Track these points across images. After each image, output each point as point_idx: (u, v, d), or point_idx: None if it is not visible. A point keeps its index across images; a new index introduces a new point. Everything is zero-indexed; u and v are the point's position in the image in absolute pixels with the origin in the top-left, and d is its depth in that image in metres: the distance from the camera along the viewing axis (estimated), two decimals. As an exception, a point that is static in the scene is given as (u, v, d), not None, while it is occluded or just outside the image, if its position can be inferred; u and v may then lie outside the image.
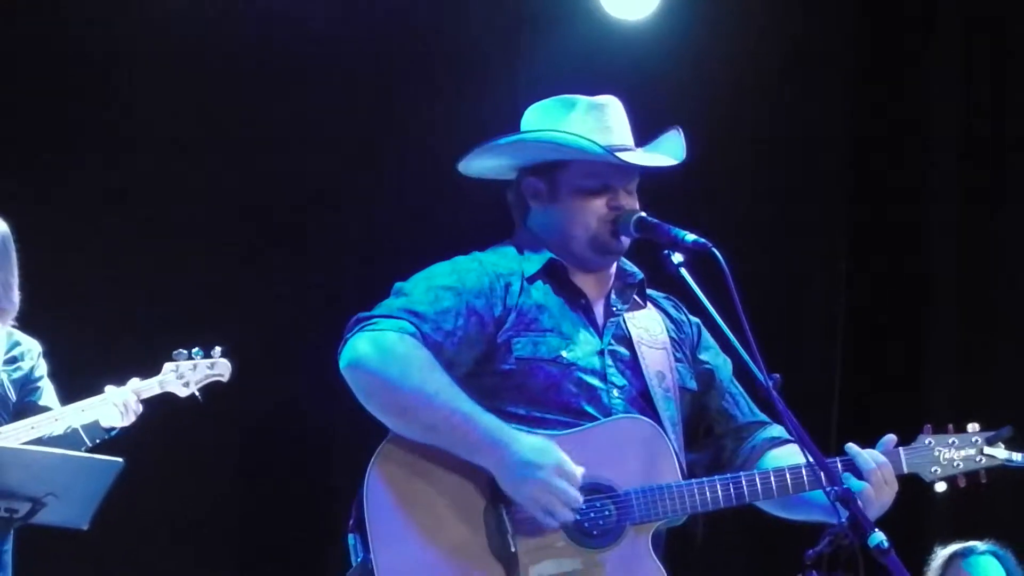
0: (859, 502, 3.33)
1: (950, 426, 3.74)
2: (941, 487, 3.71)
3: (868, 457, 3.60)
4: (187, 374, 5.50)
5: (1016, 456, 3.74)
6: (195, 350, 5.50)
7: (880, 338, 7.57)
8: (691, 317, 3.87)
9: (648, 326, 3.78)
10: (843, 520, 3.26)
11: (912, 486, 3.71)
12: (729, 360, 3.86)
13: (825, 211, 7.69)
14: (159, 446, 5.92)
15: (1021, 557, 5.85)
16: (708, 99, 7.03)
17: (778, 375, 3.43)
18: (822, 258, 7.69)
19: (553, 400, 3.58)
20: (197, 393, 5.52)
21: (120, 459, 4.98)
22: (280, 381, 6.77)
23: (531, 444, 3.44)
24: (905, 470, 3.67)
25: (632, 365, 3.70)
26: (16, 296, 5.37)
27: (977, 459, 3.72)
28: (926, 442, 3.72)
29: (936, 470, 3.70)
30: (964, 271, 7.48)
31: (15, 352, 5.36)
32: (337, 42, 6.99)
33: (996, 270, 7.45)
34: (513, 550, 3.45)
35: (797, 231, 7.58)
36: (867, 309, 7.59)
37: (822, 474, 3.35)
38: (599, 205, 3.68)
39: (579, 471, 3.45)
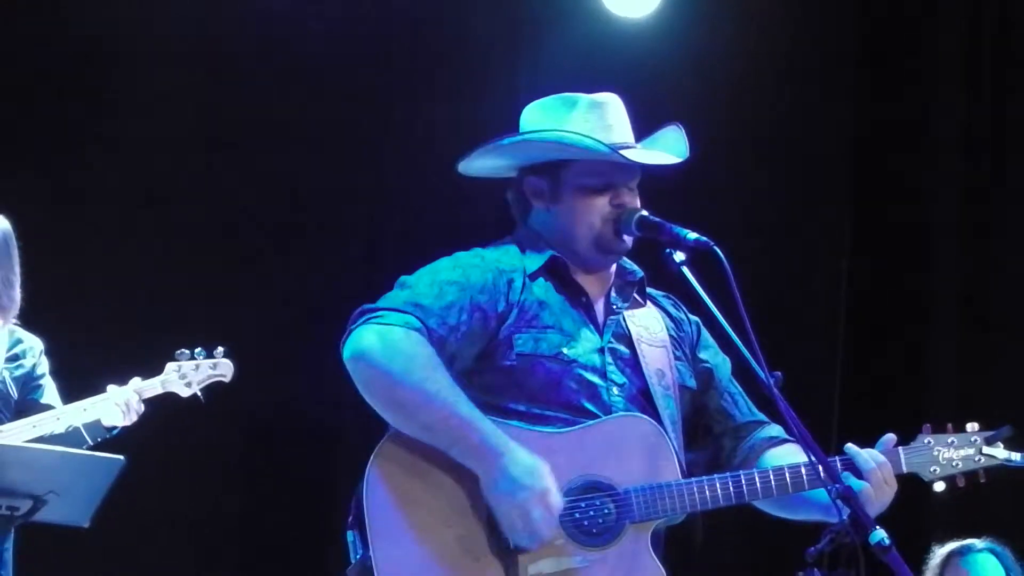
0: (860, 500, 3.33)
1: (949, 426, 3.74)
2: (940, 487, 3.71)
3: (867, 457, 3.61)
4: (189, 374, 5.50)
5: (1015, 456, 3.74)
6: (197, 350, 5.50)
7: (880, 338, 7.57)
8: (690, 316, 3.88)
9: (648, 324, 3.78)
10: (844, 518, 3.26)
11: (911, 485, 3.71)
12: (728, 359, 3.86)
13: (825, 211, 7.69)
14: (160, 445, 5.92)
15: (1019, 554, 5.85)
16: (709, 98, 7.04)
17: (779, 373, 3.44)
18: (822, 258, 7.69)
19: (553, 397, 3.58)
20: (199, 393, 5.52)
21: (121, 457, 4.98)
22: (280, 381, 6.77)
23: (524, 462, 3.43)
24: (904, 470, 3.67)
25: (632, 363, 3.70)
26: (17, 294, 5.37)
27: (976, 459, 3.72)
28: (925, 441, 3.72)
29: (935, 470, 3.70)
30: (964, 271, 7.48)
31: (17, 350, 5.37)
32: (337, 42, 6.99)
33: (996, 270, 7.45)
34: (512, 548, 3.45)
35: (797, 231, 7.58)
36: (867, 309, 7.60)
37: (823, 472, 3.35)
38: (602, 203, 3.68)
39: (561, 503, 3.44)
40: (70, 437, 5.19)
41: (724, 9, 7.35)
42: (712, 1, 7.37)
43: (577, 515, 3.50)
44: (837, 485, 3.30)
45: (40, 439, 5.14)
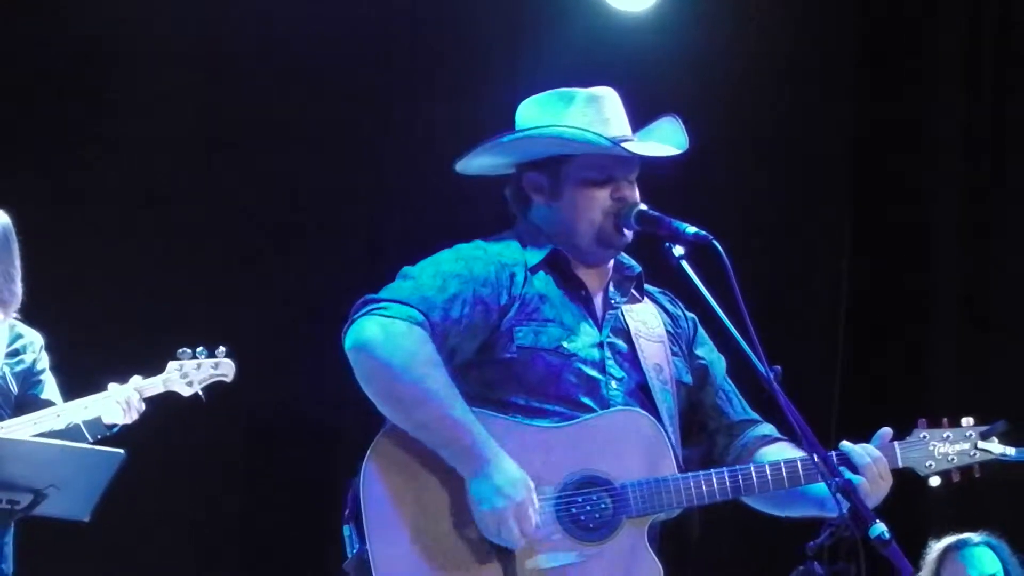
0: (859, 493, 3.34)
1: (944, 420, 3.76)
2: (935, 481, 3.72)
3: (862, 452, 3.61)
4: (191, 373, 5.50)
5: (1010, 450, 3.75)
6: (199, 349, 5.50)
7: (880, 338, 7.57)
8: (687, 312, 3.89)
9: (646, 319, 3.79)
10: (844, 511, 3.27)
11: (908, 479, 3.71)
12: (723, 358, 3.87)
13: (825, 211, 7.70)
14: (160, 444, 5.92)
15: (1015, 548, 5.86)
16: (708, 98, 7.04)
17: (779, 367, 3.44)
18: (822, 258, 7.69)
19: (552, 390, 3.58)
20: (200, 393, 5.51)
21: (121, 451, 4.98)
22: (280, 381, 6.77)
23: (508, 473, 3.44)
24: (900, 464, 3.68)
25: (630, 358, 3.70)
26: (18, 288, 5.37)
27: (971, 453, 3.73)
28: (921, 436, 3.73)
29: (931, 464, 3.71)
30: (964, 271, 7.48)
31: (17, 345, 5.37)
32: (337, 42, 6.99)
33: (996, 270, 7.45)
34: None
35: (797, 231, 7.58)
36: (867, 309, 7.60)
37: (822, 465, 3.35)
38: (603, 197, 3.69)
39: (536, 519, 3.45)
40: (70, 434, 5.18)
41: (724, 8, 7.35)
42: (712, 1, 7.37)
43: (574, 510, 3.51)
44: (837, 479, 3.30)
45: (41, 436, 5.14)
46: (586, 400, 3.61)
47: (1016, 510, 6.60)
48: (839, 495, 3.28)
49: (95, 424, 5.25)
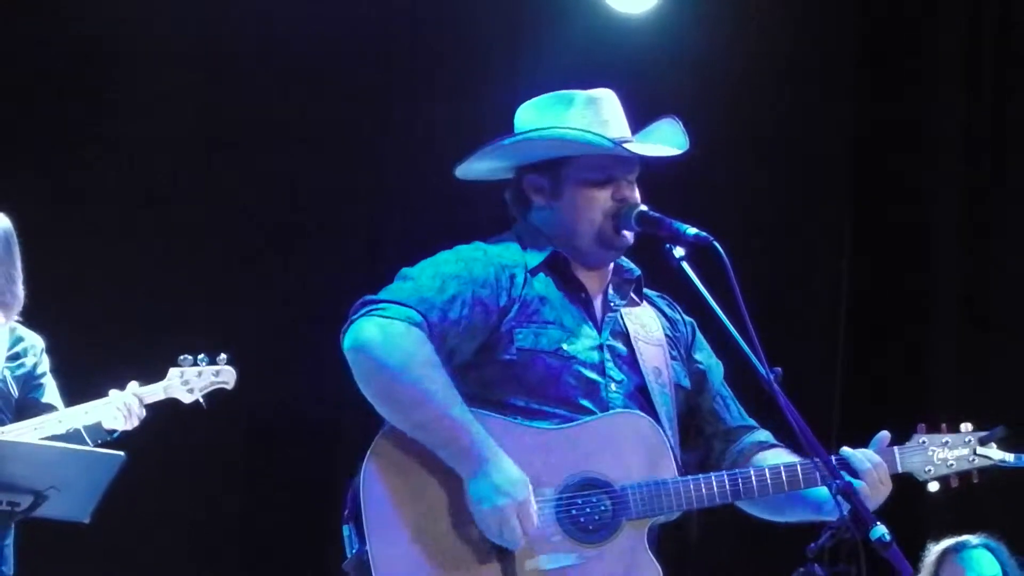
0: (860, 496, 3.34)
1: (943, 425, 3.75)
2: (934, 487, 3.72)
3: (863, 457, 3.61)
4: (192, 380, 5.50)
5: (1009, 456, 3.75)
6: (200, 356, 5.50)
7: (880, 338, 7.57)
8: (685, 316, 3.89)
9: (645, 323, 3.79)
10: (844, 513, 3.27)
11: (907, 482, 3.71)
12: (721, 363, 3.88)
13: (825, 211, 7.70)
14: (160, 445, 5.91)
15: (1014, 550, 5.85)
16: (708, 98, 7.04)
17: (779, 369, 3.44)
18: (822, 258, 7.69)
19: (552, 392, 3.58)
20: (201, 400, 5.52)
21: (121, 453, 4.99)
22: (280, 381, 6.77)
23: (508, 473, 3.44)
24: (900, 469, 3.68)
25: (629, 360, 3.70)
26: (20, 291, 5.37)
27: (970, 459, 3.73)
28: (920, 441, 3.73)
29: (930, 470, 3.71)
30: (964, 271, 7.48)
31: (18, 348, 5.37)
32: (337, 42, 7.00)
33: (996, 270, 7.45)
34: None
35: (797, 231, 7.58)
36: (867, 309, 7.60)
37: (824, 467, 3.35)
38: (604, 198, 3.69)
39: (536, 519, 3.45)
40: (71, 439, 5.18)
41: (724, 9, 7.35)
42: (712, 1, 7.37)
43: (574, 511, 3.51)
44: (837, 481, 3.30)
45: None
46: (585, 402, 3.60)
47: (1015, 515, 6.60)
48: (839, 497, 3.28)
49: (96, 429, 5.26)
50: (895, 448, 3.69)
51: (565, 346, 3.62)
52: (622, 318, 3.75)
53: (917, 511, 6.36)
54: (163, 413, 5.49)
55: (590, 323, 3.70)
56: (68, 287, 6.43)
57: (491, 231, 3.86)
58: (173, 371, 5.47)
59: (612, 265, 3.78)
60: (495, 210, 3.92)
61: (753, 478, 3.59)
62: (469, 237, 3.82)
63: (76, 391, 5.40)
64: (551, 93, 3.79)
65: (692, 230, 3.56)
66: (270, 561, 6.97)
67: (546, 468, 3.52)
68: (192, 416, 5.62)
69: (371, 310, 3.52)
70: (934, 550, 5.88)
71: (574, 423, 3.57)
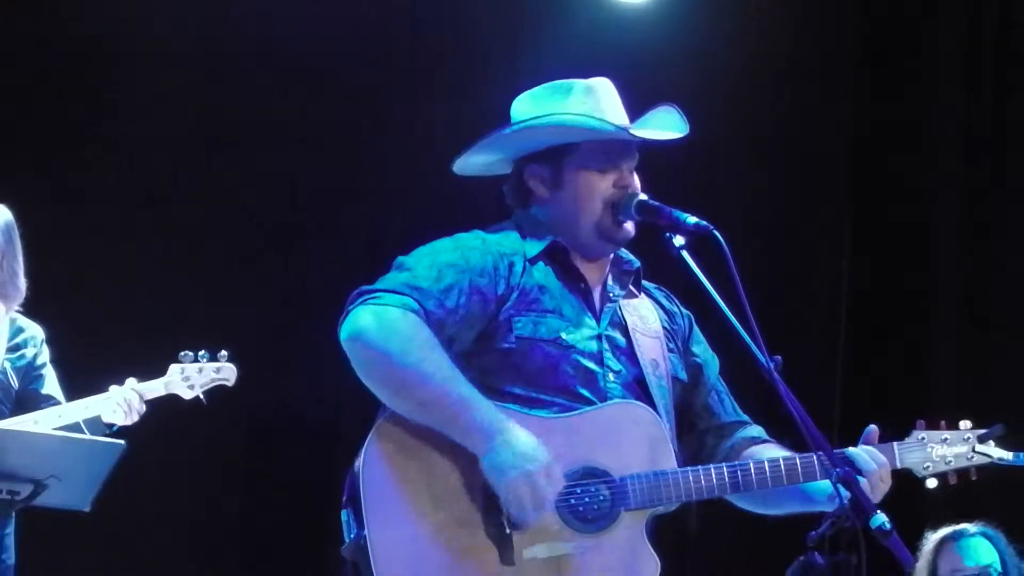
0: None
1: (942, 423, 3.76)
2: (932, 483, 3.73)
3: (868, 458, 3.61)
4: (192, 377, 5.50)
5: (1007, 455, 3.75)
6: (201, 353, 5.50)
7: (880, 338, 7.57)
8: (683, 309, 3.89)
9: (643, 314, 3.79)
10: (844, 502, 3.27)
11: (906, 478, 3.72)
12: (717, 358, 3.88)
13: (825, 211, 7.70)
14: (160, 445, 5.92)
15: (1012, 538, 5.85)
16: (708, 98, 7.03)
17: (779, 357, 3.44)
18: (822, 258, 7.69)
19: (550, 381, 3.58)
20: (202, 396, 5.52)
21: (122, 441, 4.99)
22: (280, 381, 6.77)
23: (526, 438, 3.42)
24: (899, 465, 3.69)
25: (627, 351, 3.70)
26: (22, 282, 5.38)
27: (969, 456, 3.74)
28: (919, 438, 3.74)
29: (928, 466, 3.72)
30: (964, 271, 7.48)
31: (18, 339, 5.37)
32: (337, 42, 7.00)
33: (996, 270, 7.45)
34: (508, 532, 3.44)
35: (797, 231, 7.58)
36: (867, 309, 7.60)
37: (824, 456, 3.35)
38: (605, 186, 3.68)
39: (562, 476, 3.44)
40: (69, 431, 5.19)
41: (723, 9, 7.35)
42: (712, 2, 7.38)
43: (572, 501, 3.50)
44: (838, 470, 3.30)
45: (42, 432, 5.15)
46: (584, 391, 3.60)
47: (1013, 512, 6.60)
48: (840, 486, 3.28)
49: (94, 423, 5.27)
50: (894, 444, 3.70)
51: (564, 335, 3.62)
52: (620, 309, 3.75)
53: (916, 505, 6.37)
54: (163, 413, 5.50)
55: (589, 313, 3.70)
56: (68, 287, 6.43)
57: (491, 232, 3.85)
58: (174, 367, 5.48)
59: (612, 256, 3.78)
60: (496, 209, 3.92)
61: (752, 471, 3.59)
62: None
63: (76, 390, 5.40)
64: (547, 84, 3.79)
65: (692, 219, 3.55)
66: (270, 561, 6.97)
67: None
68: (192, 416, 5.62)
69: (366, 299, 3.52)
70: (932, 538, 5.87)
71: (574, 412, 3.57)
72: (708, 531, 3.75)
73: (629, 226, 3.70)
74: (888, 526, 3.20)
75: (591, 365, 3.63)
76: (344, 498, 3.53)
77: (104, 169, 6.84)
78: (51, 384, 5.40)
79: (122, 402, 5.30)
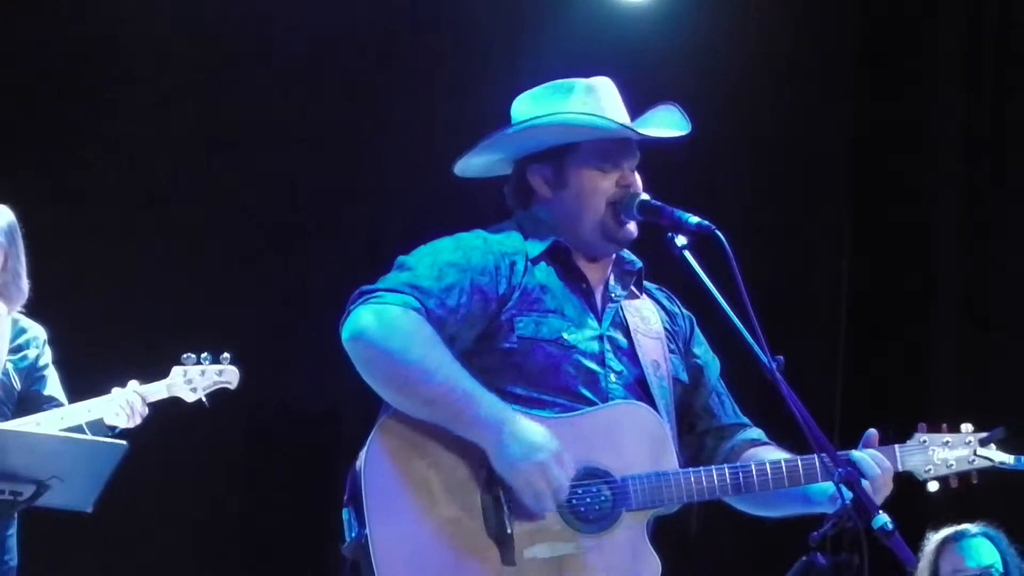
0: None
1: (944, 425, 3.75)
2: (934, 487, 3.72)
3: (873, 463, 3.60)
4: (195, 379, 5.49)
5: (1009, 458, 3.75)
6: (204, 355, 5.50)
7: (880, 338, 7.57)
8: (684, 311, 3.89)
9: (644, 315, 3.79)
10: (846, 502, 3.27)
11: (908, 480, 3.72)
12: (718, 359, 3.88)
13: (825, 211, 7.70)
14: (160, 445, 5.91)
15: (1013, 539, 5.85)
16: (708, 98, 7.02)
17: (781, 357, 3.43)
18: (822, 258, 7.69)
19: (552, 381, 3.57)
20: (204, 399, 5.51)
21: (124, 442, 4.99)
22: (280, 381, 6.77)
23: (534, 428, 3.43)
24: (900, 468, 3.69)
25: (629, 352, 3.70)
26: (25, 283, 5.38)
27: (970, 460, 3.73)
28: (921, 440, 3.73)
29: (930, 469, 3.72)
30: (964, 271, 7.49)
31: (21, 340, 5.37)
32: (337, 42, 7.00)
33: (996, 270, 7.45)
34: (509, 531, 3.43)
35: (797, 231, 7.58)
36: (867, 309, 7.60)
37: (827, 457, 3.34)
38: (608, 185, 3.68)
39: (573, 463, 3.44)
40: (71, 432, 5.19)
41: (723, 9, 7.35)
42: (712, 2, 7.38)
43: (574, 501, 3.49)
44: (840, 470, 3.30)
45: (44, 433, 5.15)
46: (585, 392, 3.59)
47: (1014, 513, 6.60)
48: (842, 486, 3.28)
49: (96, 425, 5.26)
50: (896, 447, 3.69)
51: (566, 335, 3.61)
52: (622, 310, 3.75)
53: (918, 506, 6.38)
54: (164, 413, 5.49)
55: (591, 313, 3.69)
56: (68, 288, 6.42)
57: (491, 232, 3.85)
58: (176, 370, 5.47)
59: (613, 256, 3.78)
60: (496, 210, 3.91)
61: (754, 472, 3.59)
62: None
63: (77, 391, 5.40)
64: (548, 83, 3.79)
65: (694, 219, 3.55)
66: (270, 561, 6.97)
67: None
68: (193, 416, 5.62)
69: (367, 299, 3.51)
70: (933, 539, 5.87)
71: (575, 413, 3.57)
72: (709, 532, 3.74)
73: (632, 226, 3.69)
74: (890, 526, 3.20)
75: (592, 365, 3.63)
76: (345, 497, 3.52)
77: (104, 169, 6.84)
78: (53, 385, 5.40)
79: (124, 405, 5.29)
